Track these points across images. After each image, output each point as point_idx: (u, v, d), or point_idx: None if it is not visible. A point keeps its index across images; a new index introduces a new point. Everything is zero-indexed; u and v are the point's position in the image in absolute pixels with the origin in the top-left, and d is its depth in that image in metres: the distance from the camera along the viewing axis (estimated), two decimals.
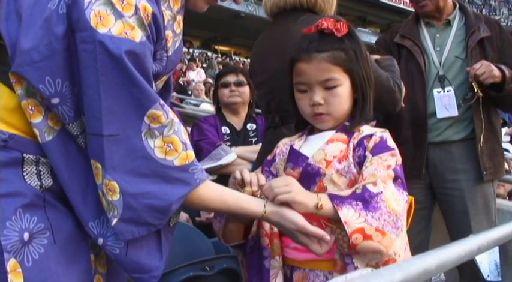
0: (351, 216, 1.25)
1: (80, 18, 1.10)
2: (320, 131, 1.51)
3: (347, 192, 1.31)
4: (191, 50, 22.90)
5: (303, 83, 1.46)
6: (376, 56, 2.16)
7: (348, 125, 1.47)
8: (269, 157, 1.60)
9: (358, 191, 1.29)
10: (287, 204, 1.27)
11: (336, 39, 1.42)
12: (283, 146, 1.57)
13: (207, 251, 2.16)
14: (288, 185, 1.28)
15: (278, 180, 1.32)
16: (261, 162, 1.71)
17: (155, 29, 1.19)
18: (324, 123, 1.48)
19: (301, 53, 1.45)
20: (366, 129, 1.46)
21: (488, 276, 2.39)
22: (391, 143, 1.43)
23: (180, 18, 1.34)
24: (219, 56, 24.86)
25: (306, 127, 1.56)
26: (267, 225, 1.45)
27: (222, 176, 2.59)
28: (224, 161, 2.71)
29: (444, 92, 2.49)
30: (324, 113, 1.45)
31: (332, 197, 1.28)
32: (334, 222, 1.30)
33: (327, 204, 1.27)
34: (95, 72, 1.09)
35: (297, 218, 1.25)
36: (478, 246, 1.05)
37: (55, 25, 1.11)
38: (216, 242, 2.19)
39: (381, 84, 1.85)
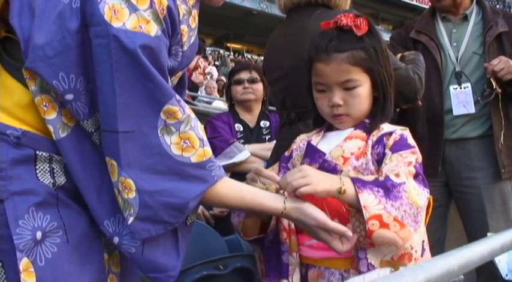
0: (371, 201, 1.23)
1: (94, 13, 1.08)
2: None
3: (370, 177, 1.30)
4: (204, 48, 22.91)
5: (322, 84, 1.44)
6: (404, 53, 2.14)
7: (367, 123, 1.45)
8: (286, 153, 1.58)
9: (381, 179, 1.28)
10: (307, 196, 1.25)
11: (356, 36, 1.39)
12: (300, 142, 1.56)
13: (220, 250, 2.15)
14: (306, 176, 1.25)
15: (294, 173, 1.28)
16: (275, 160, 1.70)
17: (170, 23, 1.17)
18: (343, 123, 1.46)
19: (319, 53, 1.42)
20: (386, 126, 1.44)
21: (506, 275, 2.35)
22: (411, 141, 1.41)
23: (195, 12, 1.32)
24: (231, 53, 24.88)
25: (325, 123, 1.54)
26: (285, 220, 1.43)
27: (235, 174, 2.57)
28: (237, 158, 2.70)
29: (461, 88, 2.45)
30: (344, 113, 1.43)
31: (354, 180, 1.27)
32: (354, 215, 1.28)
33: (349, 188, 1.25)
34: (110, 67, 1.07)
35: (317, 214, 1.23)
36: (500, 245, 1.02)
37: (69, 20, 1.10)
38: (230, 241, 2.17)
39: (399, 76, 1.82)
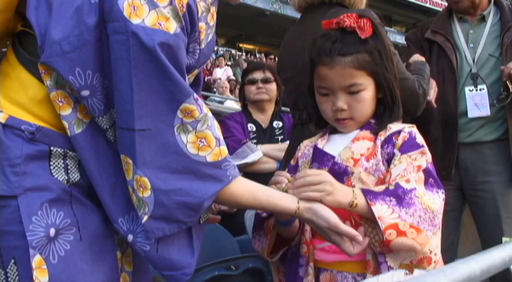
0: (384, 211, 1.23)
1: (112, 8, 1.07)
2: None
3: (380, 188, 1.29)
4: (216, 48, 22.97)
5: (325, 88, 1.42)
6: (413, 59, 2.13)
7: (373, 123, 1.44)
8: (292, 162, 1.57)
9: (391, 188, 1.27)
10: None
11: (359, 38, 1.37)
12: (305, 148, 1.55)
13: (232, 250, 2.15)
14: (322, 183, 1.25)
15: (312, 178, 1.27)
16: (288, 161, 1.68)
17: (189, 20, 1.16)
18: (347, 127, 1.45)
19: (322, 56, 1.39)
20: (394, 125, 1.43)
21: None
22: (420, 139, 1.39)
23: (213, 9, 1.31)
24: (243, 54, 24.91)
25: (327, 125, 1.52)
26: (307, 233, 1.42)
27: (248, 174, 2.56)
28: (250, 159, 2.69)
29: (477, 90, 2.42)
30: (348, 117, 1.42)
31: (366, 193, 1.26)
32: (366, 220, 1.27)
33: (361, 201, 1.25)
34: (128, 64, 1.06)
35: (329, 216, 1.22)
36: None
37: (87, 15, 1.09)
38: (241, 241, 2.17)
39: (406, 86, 1.82)
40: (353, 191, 1.26)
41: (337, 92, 1.39)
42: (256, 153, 2.71)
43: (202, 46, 1.27)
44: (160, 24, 1.09)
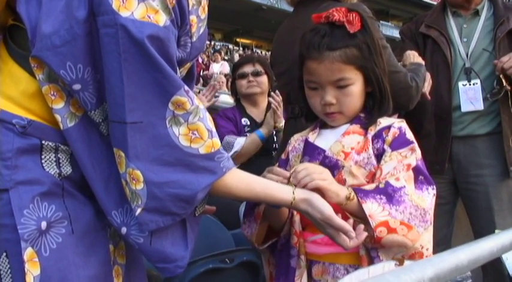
0: (375, 209, 1.24)
1: (101, 2, 1.07)
2: None
3: (370, 186, 1.31)
4: (213, 43, 22.95)
5: (314, 82, 1.43)
6: (406, 62, 2.15)
7: (363, 117, 1.45)
8: (283, 156, 1.58)
9: (381, 186, 1.28)
10: (317, 191, 1.25)
11: (348, 33, 1.38)
12: (295, 142, 1.56)
13: (227, 243, 2.16)
14: (323, 173, 1.27)
15: (315, 166, 1.30)
16: (280, 154, 1.69)
17: (179, 13, 1.16)
18: (336, 121, 1.46)
19: (311, 51, 1.40)
20: (384, 120, 1.44)
21: None
22: (409, 135, 1.41)
23: (205, 2, 1.30)
24: (240, 48, 24.91)
25: (317, 120, 1.53)
26: (297, 225, 1.43)
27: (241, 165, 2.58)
28: (238, 146, 2.70)
29: (470, 84, 2.43)
30: (336, 111, 1.43)
31: (356, 191, 1.27)
32: (357, 219, 1.28)
33: (354, 197, 1.27)
34: (118, 57, 1.06)
35: (324, 208, 1.23)
36: (510, 241, 1.02)
37: (76, 9, 1.09)
38: (236, 234, 2.18)
39: (398, 80, 1.83)
40: (347, 187, 1.29)
41: (326, 86, 1.40)
42: (239, 140, 2.73)
43: (194, 39, 1.27)
44: (150, 17, 1.08)
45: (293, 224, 1.44)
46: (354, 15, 1.37)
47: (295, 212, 1.44)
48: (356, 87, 1.41)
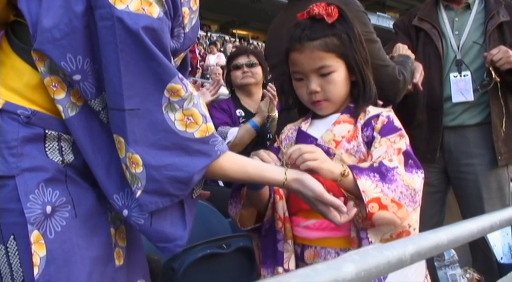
0: (368, 185, 1.28)
1: None
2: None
3: (365, 164, 1.35)
4: (209, 34, 22.87)
5: (299, 72, 1.49)
6: (394, 54, 2.18)
7: (352, 107, 1.50)
8: (276, 144, 1.62)
9: (375, 165, 1.33)
10: (310, 171, 1.29)
11: (328, 24, 1.43)
12: (288, 131, 1.61)
13: (223, 230, 2.19)
14: (315, 152, 1.30)
15: (306, 146, 1.33)
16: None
17: (172, 5, 1.21)
18: (323, 109, 1.51)
19: (293, 43, 1.47)
20: (372, 109, 1.49)
21: (501, 258, 2.40)
22: (397, 123, 1.46)
23: None
24: (237, 40, 24.81)
25: (309, 111, 1.58)
26: (280, 210, 1.48)
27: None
28: (231, 136, 2.72)
29: (461, 76, 2.48)
30: (322, 99, 1.48)
31: (352, 167, 1.32)
32: (351, 196, 1.33)
33: (349, 173, 1.30)
34: (115, 48, 1.11)
35: (315, 186, 1.27)
36: (490, 224, 1.07)
37: (75, 3, 1.13)
38: (233, 222, 2.22)
39: (387, 73, 1.87)
40: (342, 164, 1.33)
41: (310, 75, 1.46)
42: (232, 130, 2.76)
43: (187, 30, 1.32)
44: (144, 9, 1.13)
45: (276, 210, 1.49)
46: (332, 7, 1.44)
47: (278, 197, 1.49)
48: (338, 74, 1.46)
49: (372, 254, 0.71)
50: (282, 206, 1.49)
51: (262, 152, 1.38)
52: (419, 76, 2.26)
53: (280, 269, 1.46)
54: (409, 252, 0.79)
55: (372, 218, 1.29)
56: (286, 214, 1.48)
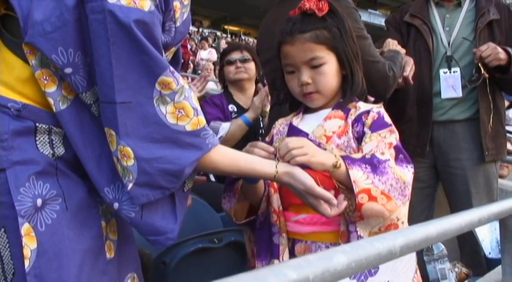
0: (359, 176, 1.29)
1: None
2: (316, 109, 1.54)
3: (357, 155, 1.36)
4: (201, 30, 22.83)
5: (290, 65, 1.50)
6: (384, 49, 2.19)
7: (341, 102, 1.50)
8: (267, 138, 1.63)
9: (368, 157, 1.34)
10: (302, 165, 1.30)
11: (318, 18, 1.45)
12: (279, 126, 1.62)
13: (215, 225, 2.20)
14: (304, 147, 1.31)
15: (294, 141, 1.33)
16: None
17: None
18: (314, 101, 1.52)
19: (285, 36, 1.49)
20: (362, 105, 1.50)
21: (489, 253, 2.42)
22: (387, 119, 1.47)
23: None
24: (228, 35, 24.78)
25: (300, 106, 1.59)
26: (275, 203, 1.49)
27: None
28: (223, 131, 2.73)
29: (450, 72, 2.51)
30: (313, 91, 1.49)
31: (344, 158, 1.32)
32: (342, 187, 1.33)
33: (342, 163, 1.31)
34: (106, 41, 1.11)
35: (306, 179, 1.28)
36: (478, 218, 1.08)
37: None
38: (225, 217, 2.22)
39: (377, 69, 1.89)
40: (335, 155, 1.33)
41: (301, 67, 1.48)
42: (224, 125, 2.76)
43: (178, 24, 1.31)
44: (135, 3, 1.13)
45: (271, 203, 1.49)
46: (323, 2, 1.46)
47: (272, 191, 1.50)
48: (329, 66, 1.47)
49: (362, 246, 0.72)
50: (276, 199, 1.49)
51: (261, 144, 1.39)
52: (409, 70, 2.27)
53: (276, 262, 1.46)
54: (399, 244, 0.80)
55: (361, 209, 1.29)
56: (281, 207, 1.49)
